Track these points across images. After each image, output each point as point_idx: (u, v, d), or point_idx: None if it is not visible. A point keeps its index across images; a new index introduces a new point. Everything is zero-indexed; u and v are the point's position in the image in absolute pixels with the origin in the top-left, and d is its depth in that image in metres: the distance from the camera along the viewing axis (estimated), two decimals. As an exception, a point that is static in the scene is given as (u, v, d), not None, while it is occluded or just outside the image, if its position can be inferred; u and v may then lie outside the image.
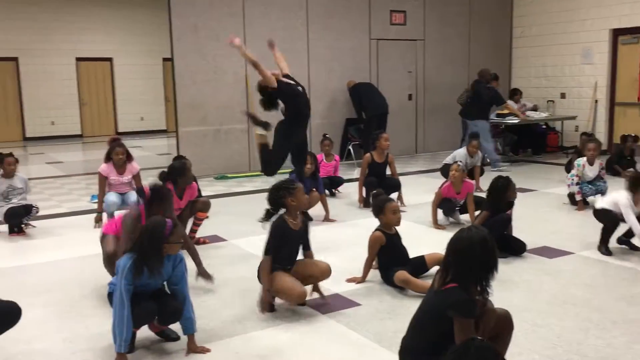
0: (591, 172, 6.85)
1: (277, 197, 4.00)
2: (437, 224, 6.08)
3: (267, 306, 3.91)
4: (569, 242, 5.46)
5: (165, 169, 5.53)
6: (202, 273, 4.37)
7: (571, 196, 6.96)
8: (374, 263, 4.50)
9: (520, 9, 12.53)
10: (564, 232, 5.91)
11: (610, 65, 11.20)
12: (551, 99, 12.11)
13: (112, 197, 6.34)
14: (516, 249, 5.07)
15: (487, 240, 2.64)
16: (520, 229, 5.38)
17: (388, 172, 7.21)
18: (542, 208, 6.98)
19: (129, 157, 6.51)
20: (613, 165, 8.71)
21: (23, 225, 6.23)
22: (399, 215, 4.44)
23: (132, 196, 6.38)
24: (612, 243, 5.16)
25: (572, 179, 6.90)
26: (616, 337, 3.48)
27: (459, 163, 6.29)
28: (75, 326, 3.82)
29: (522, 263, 4.91)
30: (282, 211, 4.01)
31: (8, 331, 3.23)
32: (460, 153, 7.84)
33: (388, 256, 4.40)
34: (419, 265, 4.46)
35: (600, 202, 5.27)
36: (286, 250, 3.98)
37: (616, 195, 5.07)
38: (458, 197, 6.17)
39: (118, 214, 6.50)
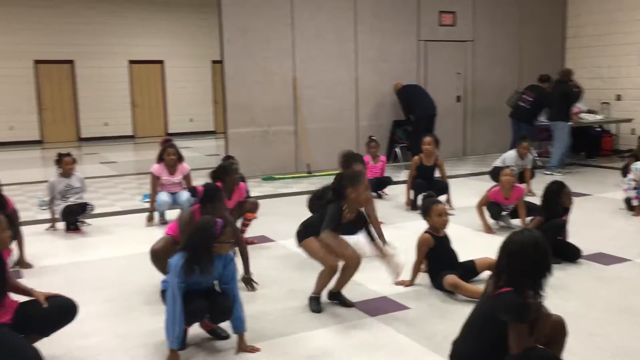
0: None
1: (340, 185, 3.94)
2: (487, 228, 5.97)
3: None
4: (625, 248, 5.28)
5: (215, 169, 5.63)
6: (246, 280, 4.40)
7: (628, 201, 6.73)
8: (422, 266, 4.45)
9: (575, 8, 12.20)
10: (620, 238, 5.72)
11: (670, 65, 10.79)
12: (606, 100, 11.74)
13: (163, 196, 6.50)
14: (570, 255, 4.94)
15: (540, 243, 2.60)
16: (574, 234, 5.23)
17: (437, 174, 7.14)
18: (597, 213, 6.77)
19: (180, 158, 6.66)
20: None
21: (79, 223, 6.42)
22: (444, 219, 4.38)
23: (183, 196, 6.52)
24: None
25: (629, 184, 6.67)
26: (678, 349, 3.35)
27: (512, 168, 6.16)
28: (129, 322, 3.92)
29: (577, 269, 4.78)
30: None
31: (65, 326, 3.33)
32: (511, 155, 7.68)
33: (437, 259, 4.35)
34: (469, 270, 4.39)
35: None
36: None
37: None
38: (506, 202, 6.05)
39: (169, 213, 6.68)
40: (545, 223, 4.93)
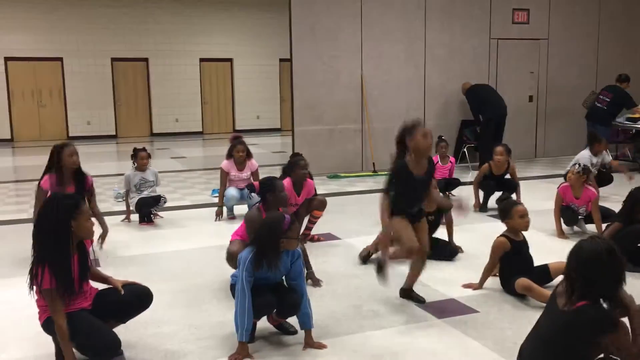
0: None
1: (401, 137, 3.83)
2: (561, 233, 5.78)
3: (386, 250, 3.78)
4: None
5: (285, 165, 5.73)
6: (309, 275, 4.43)
7: None
8: (494, 270, 4.36)
9: (658, 5, 11.61)
10: None
11: None
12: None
13: (232, 191, 6.65)
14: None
15: (612, 251, 2.49)
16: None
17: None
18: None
19: (248, 155, 6.80)
20: None
21: (152, 215, 6.65)
22: (527, 220, 4.25)
23: (254, 199, 6.63)
24: None
25: None
26: None
27: (576, 167, 5.92)
28: (199, 314, 4.03)
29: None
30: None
31: (140, 314, 3.46)
32: (584, 155, 7.37)
33: (512, 264, 4.23)
34: (542, 275, 4.26)
35: None
36: (409, 196, 3.81)
37: None
38: (577, 203, 5.83)
39: (237, 208, 6.82)
40: (623, 229, 4.72)
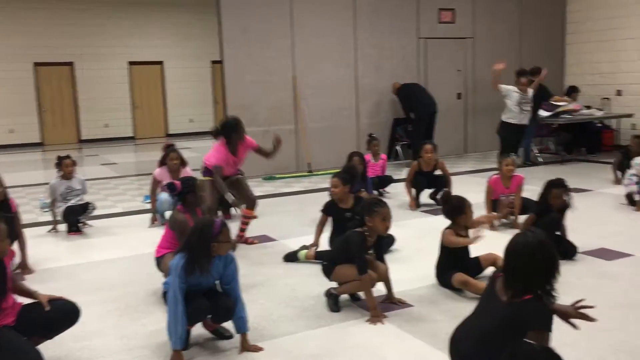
0: None
1: (360, 213, 3.96)
2: (492, 226, 5.96)
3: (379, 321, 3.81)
4: (628, 243, 5.27)
5: (218, 126, 5.70)
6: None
7: (629, 196, 6.72)
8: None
9: (575, 3, 12.18)
10: (622, 233, 5.71)
11: (670, 60, 10.77)
12: (606, 96, 11.73)
13: (164, 196, 6.49)
14: (565, 252, 4.88)
15: (544, 243, 2.55)
16: (576, 230, 5.22)
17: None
18: (598, 208, 6.76)
19: (182, 163, 6.67)
20: None
21: (80, 224, 6.42)
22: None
23: (162, 196, 6.54)
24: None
25: (631, 179, 6.66)
26: (682, 343, 3.34)
27: (514, 157, 6.14)
28: (132, 323, 3.91)
29: (580, 266, 4.77)
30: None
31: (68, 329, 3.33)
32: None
33: (449, 259, 4.32)
34: (474, 267, 4.38)
35: None
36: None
37: None
38: (507, 192, 6.04)
39: (169, 214, 6.67)
40: (538, 220, 4.91)
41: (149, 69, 17.55)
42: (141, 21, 17.05)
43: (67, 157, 6.43)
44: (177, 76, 17.77)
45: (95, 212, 6.56)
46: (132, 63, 17.19)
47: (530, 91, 9.33)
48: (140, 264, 5.15)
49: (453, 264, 4.29)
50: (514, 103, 9.22)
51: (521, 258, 2.55)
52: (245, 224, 5.79)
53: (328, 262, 4.07)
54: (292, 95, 9.96)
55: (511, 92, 9.23)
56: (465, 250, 4.37)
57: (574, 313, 2.74)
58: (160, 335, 3.55)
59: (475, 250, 4.51)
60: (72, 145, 15.74)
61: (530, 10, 11.98)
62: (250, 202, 5.79)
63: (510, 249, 2.63)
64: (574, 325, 2.74)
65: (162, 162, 6.63)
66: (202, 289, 3.40)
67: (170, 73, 17.76)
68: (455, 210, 4.36)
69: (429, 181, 7.07)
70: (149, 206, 6.90)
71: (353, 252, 3.84)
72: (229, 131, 5.53)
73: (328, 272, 4.06)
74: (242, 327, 3.44)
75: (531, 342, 2.43)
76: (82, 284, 4.72)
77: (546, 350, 2.09)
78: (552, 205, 4.93)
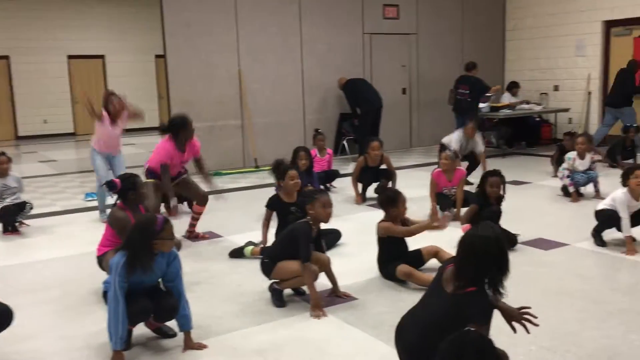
0: (582, 165, 6.90)
1: (301, 202, 4.01)
2: (435, 216, 6.06)
3: (321, 313, 3.81)
4: (564, 233, 5.47)
5: (165, 123, 5.61)
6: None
7: (565, 188, 6.99)
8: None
9: (514, 1, 12.53)
10: (558, 223, 5.92)
11: (603, 57, 11.22)
12: (544, 91, 12.14)
13: (98, 161, 6.52)
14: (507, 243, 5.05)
15: (500, 240, 2.59)
16: (515, 221, 5.39)
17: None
18: (536, 200, 7.00)
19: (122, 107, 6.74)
20: (615, 157, 8.69)
21: (17, 224, 6.19)
22: (406, 208, 4.42)
23: (119, 161, 6.59)
24: (607, 234, 5.16)
25: (564, 172, 6.93)
26: (613, 328, 3.49)
27: (447, 152, 6.25)
28: (71, 324, 3.81)
29: (518, 255, 4.92)
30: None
31: (4, 331, 3.21)
32: (455, 138, 7.78)
33: (389, 249, 4.38)
34: (416, 259, 4.46)
35: (601, 204, 5.21)
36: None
37: (613, 193, 5.07)
38: (450, 185, 6.17)
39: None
40: (480, 211, 5.05)
41: (89, 62, 17.04)
42: (81, 14, 16.51)
43: (2, 154, 6.19)
44: (119, 70, 17.31)
45: (33, 211, 6.34)
46: (71, 57, 16.66)
47: None
48: (81, 263, 5.01)
49: (394, 255, 4.35)
50: None
51: (477, 251, 2.57)
52: (195, 219, 5.73)
53: (269, 259, 4.05)
54: (238, 90, 9.88)
55: None
56: (403, 242, 4.44)
57: (518, 317, 2.78)
58: (101, 336, 3.46)
59: (417, 243, 4.59)
60: (9, 142, 15.15)
61: (471, 6, 12.26)
62: (201, 198, 5.73)
63: (467, 240, 2.64)
64: (513, 329, 2.80)
65: (104, 106, 6.66)
66: (145, 287, 3.33)
67: (113, 67, 17.29)
68: (389, 201, 4.41)
69: (375, 176, 7.15)
70: (90, 204, 6.72)
71: (301, 242, 3.84)
72: (177, 128, 5.42)
73: (268, 270, 4.04)
74: (185, 325, 3.39)
75: (468, 329, 2.48)
76: (20, 285, 4.56)
77: (480, 338, 2.15)
78: (489, 195, 5.07)
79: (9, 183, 6.13)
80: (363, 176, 7.12)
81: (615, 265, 4.67)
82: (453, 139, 7.75)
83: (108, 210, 6.39)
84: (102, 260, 4.20)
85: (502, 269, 2.58)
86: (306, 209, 3.95)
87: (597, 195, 6.77)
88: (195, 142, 5.66)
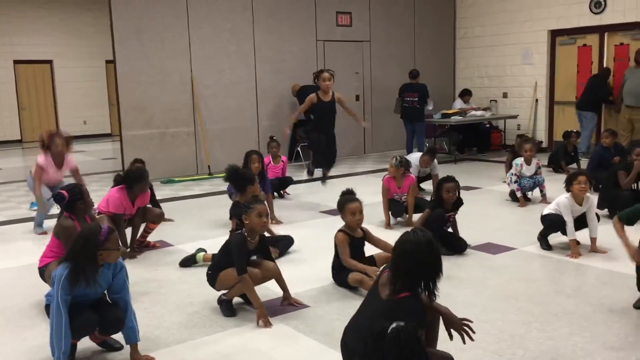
0: (528, 171, 7.09)
1: (235, 212, 3.97)
2: (388, 224, 6.11)
3: (266, 321, 3.76)
4: (511, 237, 5.60)
5: (121, 173, 5.47)
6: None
7: (513, 193, 7.15)
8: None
9: (463, 10, 12.79)
10: (506, 228, 6.05)
11: (549, 65, 11.56)
12: (494, 98, 12.42)
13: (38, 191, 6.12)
14: (457, 247, 5.14)
15: (432, 243, 2.64)
16: (465, 226, 5.47)
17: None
18: (486, 205, 7.14)
19: (67, 146, 6.24)
20: (559, 162, 8.93)
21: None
22: (359, 218, 4.33)
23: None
24: (552, 238, 5.30)
25: (511, 178, 7.10)
26: (557, 330, 3.58)
27: (392, 160, 6.26)
28: (12, 340, 3.66)
29: (467, 260, 5.01)
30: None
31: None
32: (413, 166, 7.63)
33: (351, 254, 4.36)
34: (370, 265, 4.44)
35: (547, 208, 5.34)
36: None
37: (558, 199, 5.21)
38: (400, 192, 6.23)
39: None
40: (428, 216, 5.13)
41: (36, 68, 16.56)
42: (27, 17, 16.02)
43: None
44: (68, 76, 16.87)
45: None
46: (17, 62, 16.15)
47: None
48: (22, 276, 4.84)
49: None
50: None
51: (408, 256, 2.63)
52: (148, 232, 5.60)
53: (212, 270, 4.01)
54: (190, 96, 9.76)
55: None
56: (359, 249, 4.44)
57: (458, 325, 2.81)
58: (43, 351, 3.35)
59: (369, 249, 4.61)
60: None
61: (422, 15, 12.45)
62: (156, 217, 5.61)
63: (398, 246, 2.70)
64: (450, 336, 2.83)
65: (45, 147, 6.14)
66: (89, 299, 3.24)
67: (61, 73, 16.84)
68: (338, 207, 4.42)
69: (326, 141, 7.18)
70: (34, 214, 6.50)
71: (232, 254, 3.82)
72: (132, 181, 5.28)
73: (212, 281, 4.00)
74: (132, 338, 3.31)
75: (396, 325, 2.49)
76: (-43, 300, 4.37)
77: (403, 330, 2.17)
78: (445, 200, 5.14)
79: None
80: (313, 135, 7.20)
81: (561, 268, 4.79)
82: (412, 166, 7.67)
83: (46, 223, 6.23)
84: (44, 272, 4.07)
85: (435, 272, 2.62)
86: (242, 219, 3.91)
87: (544, 199, 6.96)
88: (146, 195, 5.50)
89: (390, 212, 6.21)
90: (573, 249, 5.00)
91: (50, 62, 16.71)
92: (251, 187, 5.20)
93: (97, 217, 4.83)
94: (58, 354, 3.05)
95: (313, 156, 7.33)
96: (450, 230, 5.30)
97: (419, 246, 2.61)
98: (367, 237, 4.42)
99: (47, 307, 3.31)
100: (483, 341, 3.41)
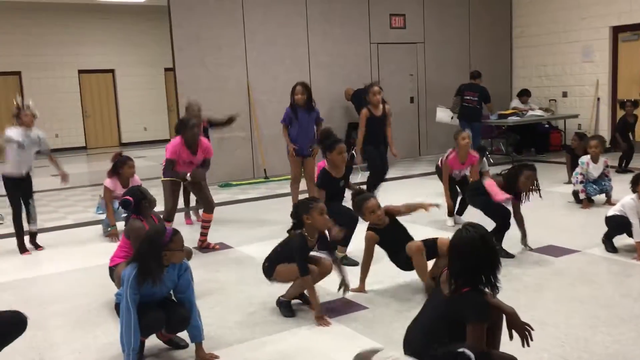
0: (595, 170, 6.82)
1: (296, 214, 3.99)
2: (452, 209, 6.16)
3: (325, 321, 3.83)
4: (574, 240, 5.46)
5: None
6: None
7: (576, 194, 6.95)
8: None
9: (520, 8, 12.54)
10: (569, 230, 5.90)
11: (611, 62, 11.19)
12: (553, 97, 12.11)
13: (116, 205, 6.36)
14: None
15: (486, 237, 2.66)
16: (526, 228, 5.36)
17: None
18: (547, 207, 6.95)
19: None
20: (616, 135, 8.82)
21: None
22: (377, 214, 4.27)
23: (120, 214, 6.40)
24: (617, 240, 5.14)
25: (577, 177, 6.89)
26: (624, 334, 3.48)
27: (467, 131, 6.25)
28: (84, 337, 3.84)
29: (529, 262, 4.91)
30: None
31: (19, 342, 3.24)
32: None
33: (390, 246, 4.34)
34: (430, 248, 4.22)
35: (611, 210, 5.19)
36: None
37: (623, 200, 5.05)
38: (462, 167, 6.20)
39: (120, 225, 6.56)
40: (499, 187, 5.06)
41: (99, 77, 17.23)
42: (90, 28, 16.71)
43: (28, 107, 6.08)
44: (129, 84, 17.49)
45: (46, 225, 6.40)
46: (81, 71, 16.85)
47: None
48: (92, 276, 5.05)
49: (398, 245, 4.25)
50: None
51: (463, 253, 2.65)
52: (205, 228, 5.78)
53: (269, 262, 4.08)
54: (247, 101, 9.95)
55: None
56: (397, 236, 4.31)
57: (520, 328, 2.74)
58: (113, 348, 3.50)
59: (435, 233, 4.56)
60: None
61: (478, 14, 12.28)
62: (208, 205, 5.81)
63: (453, 244, 2.72)
64: (511, 336, 2.79)
65: (114, 172, 6.44)
66: (156, 298, 3.36)
67: (122, 81, 17.47)
68: (355, 208, 4.38)
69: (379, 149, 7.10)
70: (100, 217, 6.77)
71: (295, 255, 3.87)
72: (180, 128, 5.65)
73: (269, 273, 4.08)
74: (197, 336, 3.41)
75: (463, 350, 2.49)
76: (31, 298, 4.60)
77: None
78: (520, 187, 5.03)
79: (33, 136, 5.96)
80: (367, 148, 6.97)
81: (627, 271, 4.64)
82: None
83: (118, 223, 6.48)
84: (113, 271, 4.25)
85: (491, 266, 2.62)
86: (302, 219, 3.94)
87: (608, 201, 6.74)
88: (206, 144, 5.76)
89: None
90: (639, 251, 4.83)
91: (112, 71, 17.34)
92: (340, 145, 5.18)
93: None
94: (128, 350, 3.17)
95: (368, 178, 7.22)
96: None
97: (473, 242, 2.63)
98: (394, 218, 4.38)
99: (117, 306, 3.43)
100: (547, 344, 3.35)
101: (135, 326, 3.17)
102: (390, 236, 4.33)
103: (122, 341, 3.18)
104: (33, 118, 5.98)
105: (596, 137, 7.28)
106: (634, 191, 4.95)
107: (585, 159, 6.89)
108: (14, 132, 5.84)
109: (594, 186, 6.82)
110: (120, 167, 6.35)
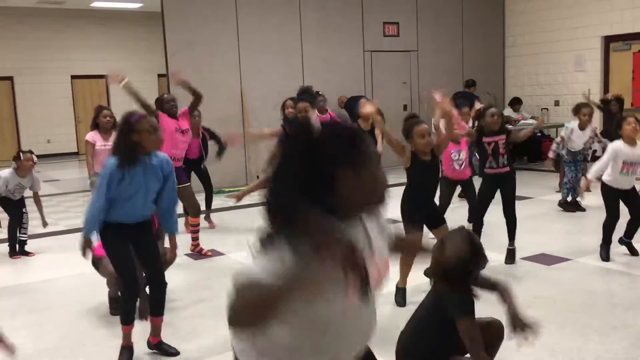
0: (579, 139, 6.49)
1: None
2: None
3: None
4: (566, 248, 5.47)
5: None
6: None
7: (564, 203, 6.99)
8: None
9: (513, 18, 12.63)
10: (560, 239, 5.92)
11: (603, 72, 11.28)
12: (545, 106, 12.18)
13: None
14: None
15: (473, 239, 2.68)
16: (518, 237, 5.37)
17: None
18: (538, 215, 6.99)
19: (115, 124, 6.42)
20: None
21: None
22: (428, 139, 4.30)
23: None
24: (611, 249, 5.16)
25: (556, 141, 6.69)
26: (615, 342, 3.49)
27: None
28: (74, 345, 3.80)
29: (521, 271, 4.92)
30: None
31: (4, 349, 3.21)
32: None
33: (419, 176, 4.44)
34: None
35: (596, 169, 4.92)
36: None
37: (613, 143, 4.88)
38: (458, 148, 5.92)
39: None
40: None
41: (92, 82, 17.18)
42: (83, 34, 16.69)
43: (30, 152, 6.51)
44: (122, 90, 17.40)
45: (38, 231, 6.36)
46: (74, 77, 16.80)
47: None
48: (83, 283, 5.02)
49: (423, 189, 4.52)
50: None
51: (452, 263, 2.61)
52: (195, 232, 5.75)
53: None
54: (240, 107, 9.94)
55: None
56: (433, 172, 4.59)
57: (519, 327, 2.70)
58: (104, 355, 3.47)
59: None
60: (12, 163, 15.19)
61: (471, 23, 12.35)
62: (194, 210, 5.77)
63: (438, 248, 2.67)
64: (511, 334, 2.79)
65: (94, 125, 6.36)
66: (135, 219, 3.36)
67: (115, 87, 17.34)
68: (404, 133, 4.53)
69: None
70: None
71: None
72: (156, 104, 6.03)
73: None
74: (173, 229, 3.58)
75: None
76: (21, 306, 4.57)
77: None
78: (488, 125, 4.97)
79: (24, 183, 6.12)
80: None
81: (618, 280, 4.66)
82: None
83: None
84: (99, 264, 4.21)
85: (478, 260, 2.64)
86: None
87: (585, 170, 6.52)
88: (184, 111, 6.10)
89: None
90: (584, 185, 4.89)
91: (104, 76, 17.28)
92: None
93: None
94: (87, 227, 3.31)
95: None
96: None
97: (460, 256, 2.59)
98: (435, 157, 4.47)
99: (111, 311, 3.42)
100: (539, 353, 3.35)
101: (99, 210, 3.25)
102: (426, 175, 4.40)
103: (86, 219, 3.33)
104: (33, 165, 6.22)
105: (589, 105, 6.89)
106: (617, 135, 4.81)
107: (572, 124, 6.48)
108: (7, 177, 6.14)
109: (572, 167, 6.64)
110: (97, 118, 6.41)
